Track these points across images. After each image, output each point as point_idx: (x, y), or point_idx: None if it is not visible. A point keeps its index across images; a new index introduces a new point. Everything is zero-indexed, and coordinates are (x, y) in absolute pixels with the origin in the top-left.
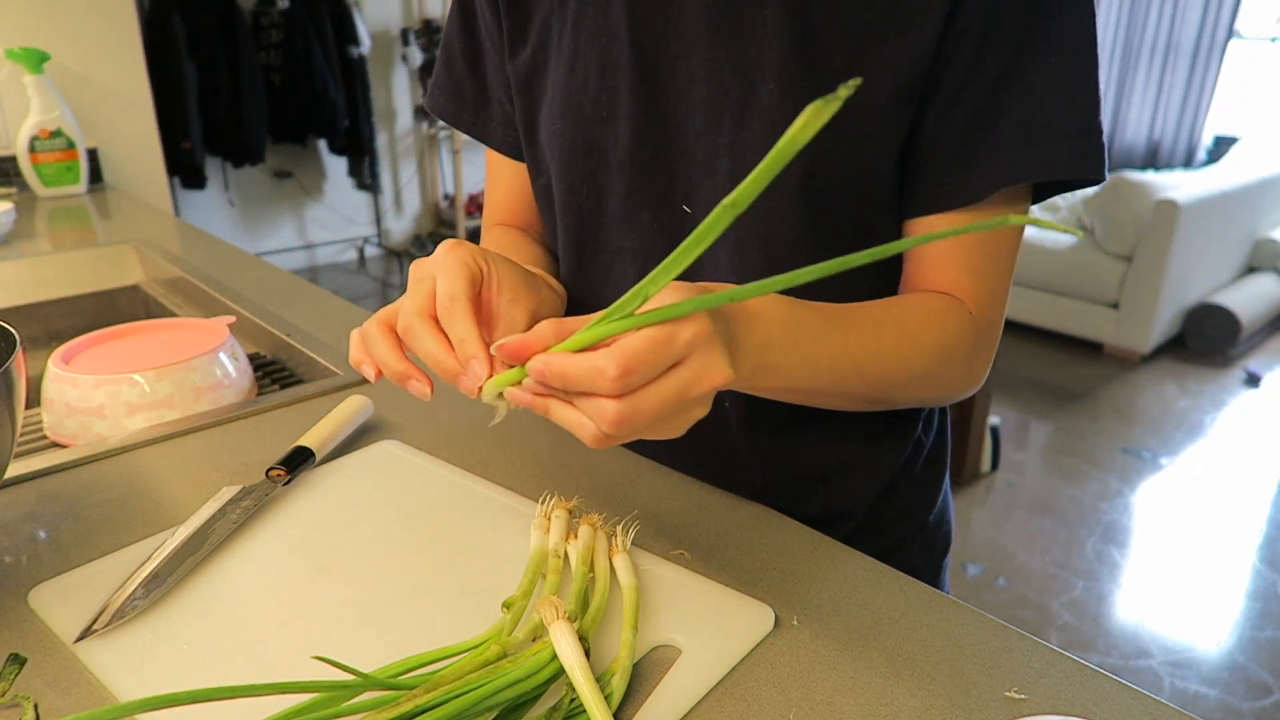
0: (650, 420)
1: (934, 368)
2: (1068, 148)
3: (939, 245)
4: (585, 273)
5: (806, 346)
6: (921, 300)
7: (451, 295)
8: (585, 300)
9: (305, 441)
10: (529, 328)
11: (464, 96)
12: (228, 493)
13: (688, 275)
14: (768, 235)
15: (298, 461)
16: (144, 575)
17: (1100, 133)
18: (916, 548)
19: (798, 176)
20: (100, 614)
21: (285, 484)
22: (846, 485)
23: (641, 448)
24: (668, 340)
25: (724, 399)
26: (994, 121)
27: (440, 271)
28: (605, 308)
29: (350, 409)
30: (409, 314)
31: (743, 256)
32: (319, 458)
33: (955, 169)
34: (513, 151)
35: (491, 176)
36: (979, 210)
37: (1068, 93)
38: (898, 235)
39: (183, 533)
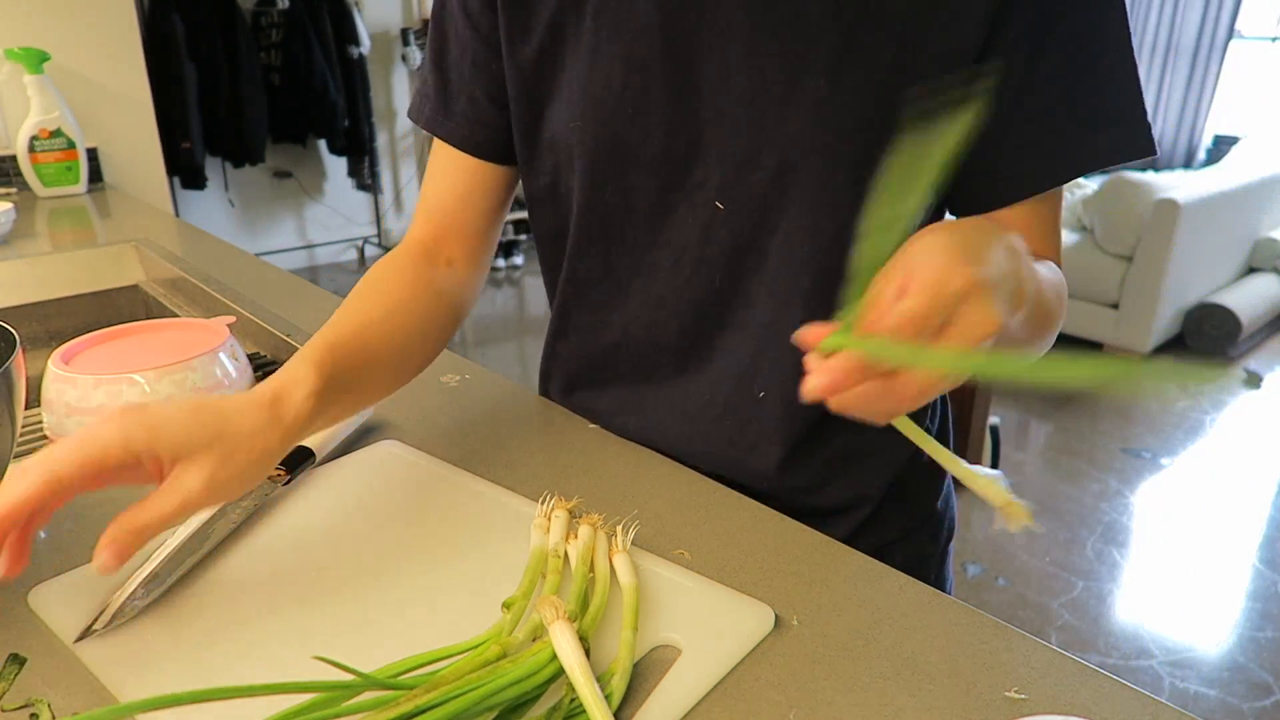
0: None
1: (1061, 314)
2: (1129, 132)
3: (1018, 226)
4: (612, 267)
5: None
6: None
7: (45, 459)
8: (610, 293)
9: (305, 441)
10: (205, 489)
11: (427, 92)
12: None
13: (731, 256)
14: (815, 227)
15: (298, 461)
16: (144, 575)
17: (1147, 113)
18: (925, 535)
19: (836, 169)
20: (100, 614)
21: (285, 484)
22: (862, 471)
23: (657, 429)
24: (942, 286)
25: (759, 387)
26: (1063, 112)
27: (82, 432)
28: (630, 301)
29: None
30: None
31: (789, 247)
32: (319, 458)
33: (1028, 160)
34: (474, 149)
35: (433, 176)
36: (1051, 191)
37: (1121, 80)
38: None
39: (183, 533)
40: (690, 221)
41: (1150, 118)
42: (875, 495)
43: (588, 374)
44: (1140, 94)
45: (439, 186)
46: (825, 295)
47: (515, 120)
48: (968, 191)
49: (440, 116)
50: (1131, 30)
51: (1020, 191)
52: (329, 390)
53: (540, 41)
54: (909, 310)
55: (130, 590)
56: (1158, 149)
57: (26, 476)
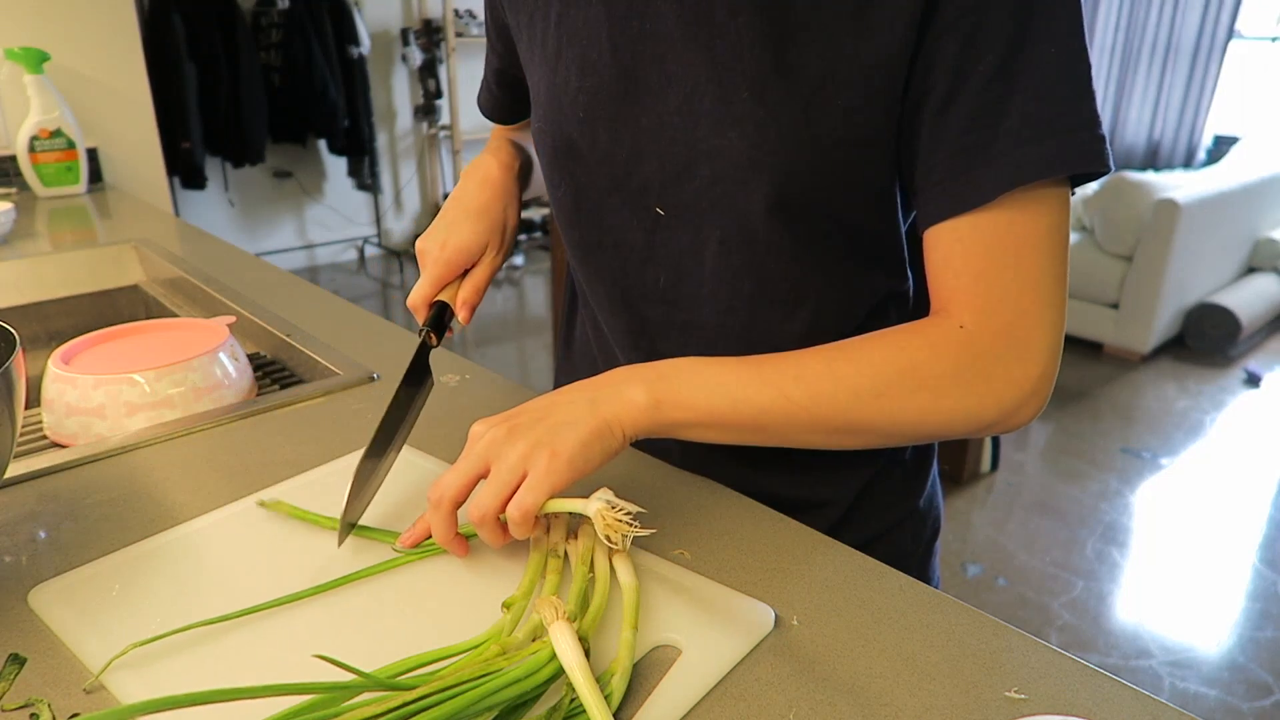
0: (479, 484)
1: (892, 386)
2: (1070, 141)
3: (940, 251)
4: (576, 263)
5: (713, 375)
6: (892, 331)
7: (428, 283)
8: (586, 289)
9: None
10: (497, 259)
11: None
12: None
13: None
14: (748, 236)
15: (443, 318)
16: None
17: (1099, 123)
18: (906, 534)
19: (766, 183)
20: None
21: (436, 346)
22: (833, 470)
23: None
24: (461, 461)
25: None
26: (993, 121)
27: (429, 267)
28: (598, 300)
29: None
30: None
31: (726, 254)
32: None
33: (958, 173)
34: (494, 118)
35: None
36: (991, 211)
37: (1064, 86)
38: (893, 236)
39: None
40: (634, 225)
41: (1110, 125)
42: (849, 493)
43: (569, 374)
44: (1091, 100)
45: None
46: (766, 298)
47: None
48: (916, 205)
49: (482, 92)
50: (1096, 37)
51: (947, 208)
52: (523, 172)
53: (525, 43)
54: (450, 482)
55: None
56: (1111, 163)
57: (424, 275)
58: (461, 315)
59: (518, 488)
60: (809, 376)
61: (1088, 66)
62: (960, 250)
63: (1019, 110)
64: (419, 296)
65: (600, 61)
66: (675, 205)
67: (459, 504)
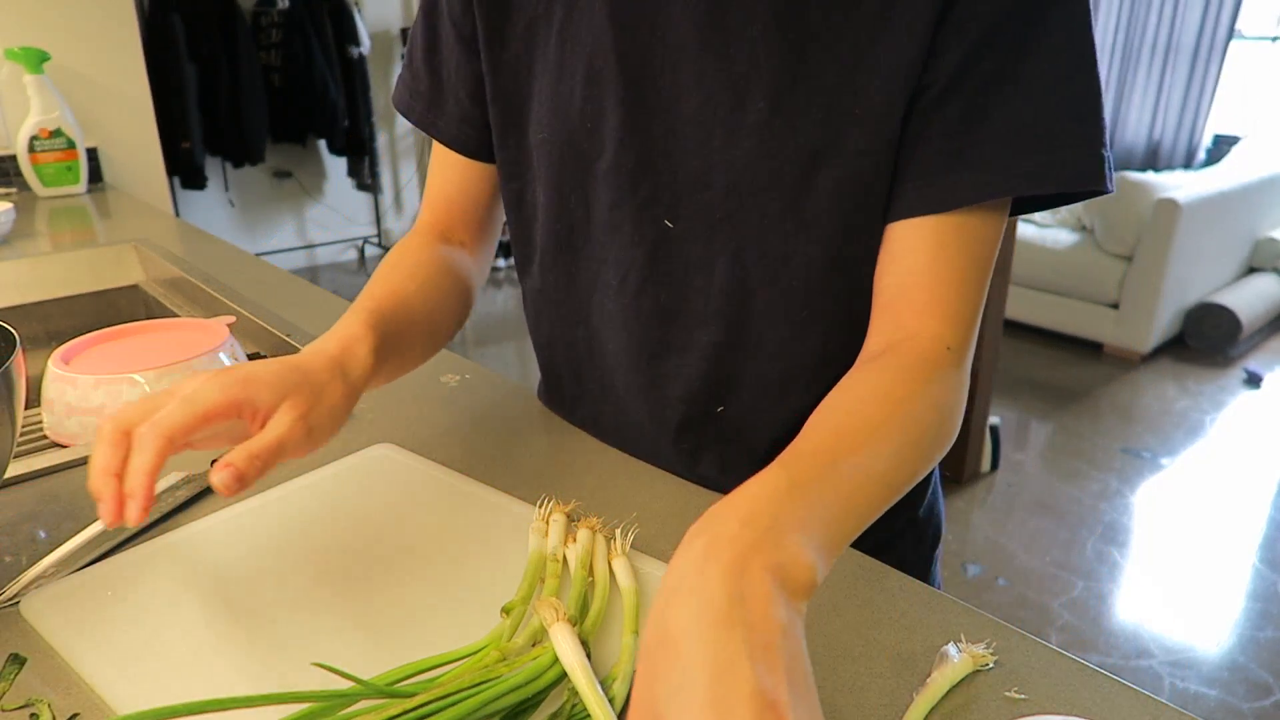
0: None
1: (941, 434)
2: (1057, 159)
3: (900, 245)
4: (573, 280)
5: (837, 509)
6: (907, 375)
7: (159, 423)
8: (573, 308)
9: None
10: (299, 424)
11: (419, 89)
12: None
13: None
14: (763, 249)
15: None
16: (56, 558)
17: (1101, 141)
18: (907, 542)
19: (783, 194)
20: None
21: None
22: None
23: (620, 447)
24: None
25: (717, 403)
26: (978, 126)
27: (184, 393)
28: (592, 315)
29: None
30: (112, 416)
31: (739, 268)
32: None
33: (936, 173)
34: (464, 149)
35: (434, 169)
36: (958, 217)
37: (1063, 102)
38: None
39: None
40: (638, 239)
41: (1110, 125)
42: None
43: (559, 386)
44: (1095, 116)
45: (442, 178)
46: (776, 314)
47: (493, 123)
48: (891, 199)
49: (431, 115)
50: (1098, 40)
51: (912, 207)
52: (383, 349)
53: (515, 49)
54: None
55: (40, 571)
56: (1110, 184)
57: (144, 442)
58: (215, 477)
59: None
60: (901, 456)
61: (1096, 90)
62: (923, 249)
63: (1009, 120)
64: (176, 427)
65: (607, 69)
66: (686, 217)
67: None
